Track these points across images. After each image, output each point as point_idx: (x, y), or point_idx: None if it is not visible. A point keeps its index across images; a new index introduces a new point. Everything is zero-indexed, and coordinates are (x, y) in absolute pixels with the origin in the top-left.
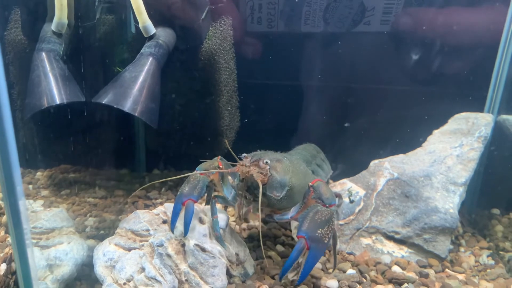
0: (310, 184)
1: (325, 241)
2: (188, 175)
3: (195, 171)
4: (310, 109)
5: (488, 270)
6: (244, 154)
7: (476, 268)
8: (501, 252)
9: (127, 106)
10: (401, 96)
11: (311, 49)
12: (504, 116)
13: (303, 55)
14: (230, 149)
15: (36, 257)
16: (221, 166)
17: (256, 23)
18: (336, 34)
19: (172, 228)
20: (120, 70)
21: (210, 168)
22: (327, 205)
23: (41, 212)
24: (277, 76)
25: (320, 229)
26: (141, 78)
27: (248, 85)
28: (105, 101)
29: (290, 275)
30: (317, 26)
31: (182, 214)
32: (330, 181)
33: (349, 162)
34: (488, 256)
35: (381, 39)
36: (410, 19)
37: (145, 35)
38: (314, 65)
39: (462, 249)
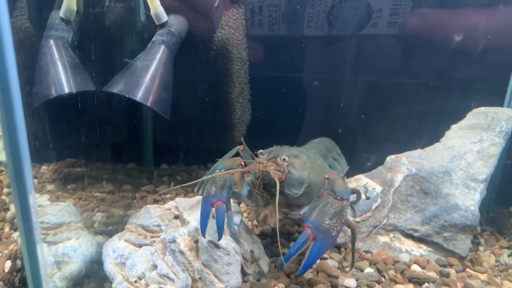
0: (326, 176)
1: (333, 234)
2: (211, 176)
3: (217, 170)
4: (323, 106)
5: (510, 270)
6: (260, 151)
7: (497, 268)
8: None
9: (138, 95)
10: (416, 91)
11: (315, 49)
12: None
13: (308, 55)
14: (245, 145)
15: (44, 253)
16: (242, 163)
17: (257, 26)
18: (341, 37)
19: (203, 233)
20: (128, 61)
21: (233, 165)
22: (338, 198)
23: (48, 207)
24: (286, 73)
25: (328, 220)
26: (153, 67)
27: (257, 80)
28: (116, 90)
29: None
30: (321, 29)
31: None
32: (345, 177)
33: (364, 157)
34: (509, 256)
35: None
36: (418, 20)
37: (157, 23)
38: (324, 63)
39: (481, 248)
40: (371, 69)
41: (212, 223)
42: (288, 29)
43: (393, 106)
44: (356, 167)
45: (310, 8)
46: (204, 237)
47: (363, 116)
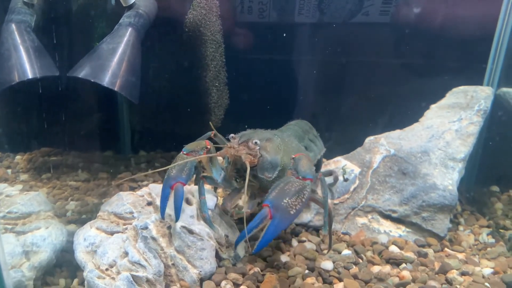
0: (293, 156)
1: (291, 212)
2: (176, 159)
3: (181, 153)
4: (303, 87)
5: (489, 249)
6: (231, 135)
7: (476, 247)
8: (501, 230)
9: (105, 80)
10: (396, 70)
11: (304, 38)
12: (504, 89)
13: (296, 41)
14: (215, 131)
15: (11, 244)
16: (209, 146)
17: (247, 13)
18: (332, 24)
19: (162, 214)
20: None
21: (198, 148)
22: (300, 177)
23: (16, 196)
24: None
25: (287, 199)
26: (120, 50)
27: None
28: (81, 75)
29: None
30: (312, 17)
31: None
32: (324, 159)
33: (343, 139)
34: (488, 235)
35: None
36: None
37: (124, 5)
38: (314, 50)
39: (461, 228)
40: (356, 54)
41: (185, 208)
42: (278, 16)
43: (376, 89)
44: (334, 149)
45: None
46: (163, 219)
47: (348, 94)
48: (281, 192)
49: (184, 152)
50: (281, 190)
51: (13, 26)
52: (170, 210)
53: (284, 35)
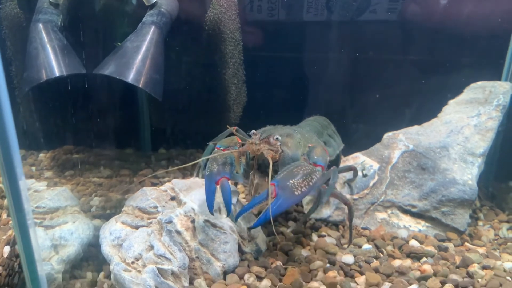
0: (309, 145)
1: (296, 193)
2: (212, 155)
3: (216, 149)
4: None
5: (509, 243)
6: (253, 131)
7: (496, 241)
8: None
9: (130, 77)
10: (414, 67)
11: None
12: None
13: (307, 40)
14: (237, 127)
15: (41, 238)
16: (240, 142)
17: (256, 12)
18: (340, 22)
19: (210, 210)
20: (120, 44)
21: (231, 144)
22: (311, 163)
23: (44, 191)
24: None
25: (293, 180)
26: (144, 48)
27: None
28: (107, 72)
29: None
30: (320, 15)
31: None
32: (342, 156)
33: (361, 136)
34: (508, 230)
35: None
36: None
37: (146, 4)
38: (323, 47)
39: (480, 223)
40: (368, 51)
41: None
42: (287, 15)
43: (389, 85)
44: (352, 145)
45: None
46: (212, 215)
47: (365, 90)
48: (289, 174)
49: (221, 148)
50: (289, 172)
51: (41, 26)
52: (193, 204)
53: (294, 33)
